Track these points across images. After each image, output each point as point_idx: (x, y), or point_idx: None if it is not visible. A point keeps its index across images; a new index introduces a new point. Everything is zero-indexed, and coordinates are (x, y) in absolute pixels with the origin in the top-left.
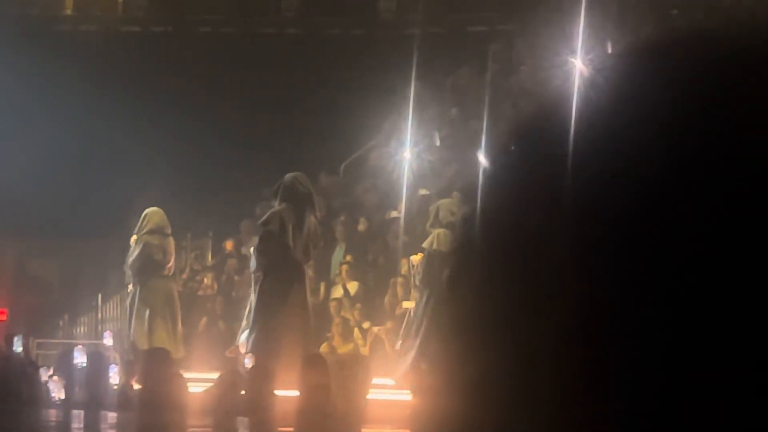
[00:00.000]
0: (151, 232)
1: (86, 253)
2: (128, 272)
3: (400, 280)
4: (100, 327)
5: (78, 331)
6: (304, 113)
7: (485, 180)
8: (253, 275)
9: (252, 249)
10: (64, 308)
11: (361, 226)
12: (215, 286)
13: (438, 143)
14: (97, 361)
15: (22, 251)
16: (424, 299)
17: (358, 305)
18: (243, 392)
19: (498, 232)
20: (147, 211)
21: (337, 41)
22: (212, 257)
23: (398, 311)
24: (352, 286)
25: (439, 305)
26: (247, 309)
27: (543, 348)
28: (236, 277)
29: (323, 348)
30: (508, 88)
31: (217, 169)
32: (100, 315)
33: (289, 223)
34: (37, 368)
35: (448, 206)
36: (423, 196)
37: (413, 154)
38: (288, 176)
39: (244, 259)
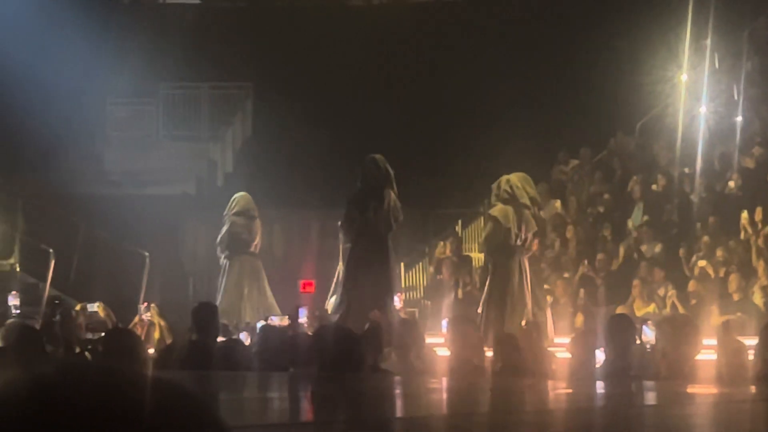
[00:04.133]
0: (237, 213)
1: None
2: (218, 249)
3: (705, 239)
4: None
5: None
6: (602, 73)
7: None
8: (341, 247)
9: (339, 224)
10: None
11: (658, 185)
12: None
13: (736, 98)
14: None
15: (325, 224)
16: None
17: (657, 267)
18: None
19: None
20: (235, 195)
21: None
22: None
23: (696, 271)
24: (651, 247)
25: None
26: (335, 277)
27: None
28: None
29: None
30: None
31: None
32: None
33: (370, 201)
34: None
35: None
36: (722, 153)
37: (710, 110)
38: (368, 157)
39: None
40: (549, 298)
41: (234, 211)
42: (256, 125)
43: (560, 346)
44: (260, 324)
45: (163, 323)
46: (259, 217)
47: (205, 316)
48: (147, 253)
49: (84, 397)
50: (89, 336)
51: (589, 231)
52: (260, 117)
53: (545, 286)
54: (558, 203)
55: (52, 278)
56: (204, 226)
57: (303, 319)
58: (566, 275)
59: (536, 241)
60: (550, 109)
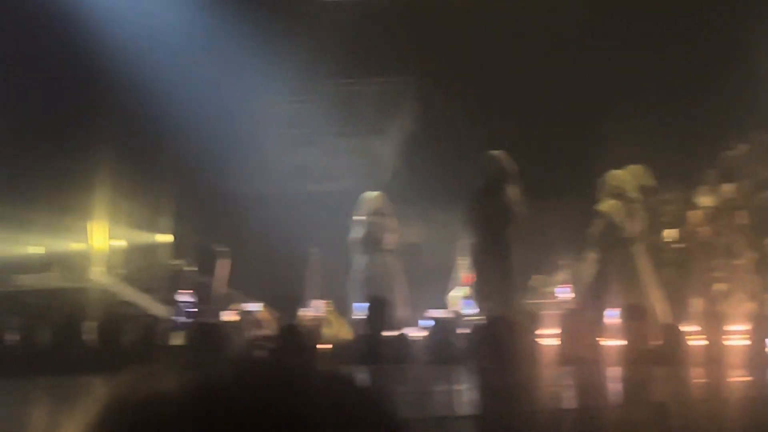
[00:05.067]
0: (370, 213)
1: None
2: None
3: None
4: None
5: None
6: None
7: None
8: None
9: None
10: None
11: None
12: None
13: None
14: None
15: None
16: None
17: None
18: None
19: None
20: (366, 194)
21: None
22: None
23: None
24: None
25: None
26: (454, 271)
27: None
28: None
29: None
30: None
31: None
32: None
33: (490, 196)
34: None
35: None
36: None
37: None
38: (488, 153)
39: None
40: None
41: (369, 211)
42: (420, 119)
43: (737, 334)
44: (425, 321)
45: (337, 319)
46: (396, 215)
47: (375, 312)
48: (314, 250)
49: (275, 395)
50: (259, 334)
51: (762, 215)
52: (425, 111)
53: (715, 274)
54: (728, 187)
55: (224, 277)
56: None
57: (468, 311)
58: (738, 261)
59: (649, 231)
60: (718, 91)
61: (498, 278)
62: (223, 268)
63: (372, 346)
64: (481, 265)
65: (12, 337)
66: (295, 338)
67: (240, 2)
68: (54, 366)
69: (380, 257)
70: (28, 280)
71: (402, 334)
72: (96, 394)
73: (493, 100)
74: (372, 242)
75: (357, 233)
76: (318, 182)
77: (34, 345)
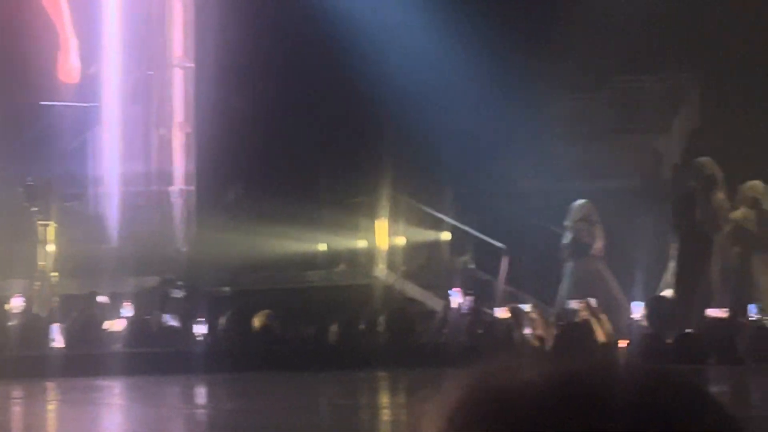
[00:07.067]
0: (580, 220)
1: None
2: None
3: None
4: None
5: None
6: None
7: None
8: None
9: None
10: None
11: None
12: None
13: None
14: None
15: None
16: None
17: None
18: None
19: None
20: (576, 203)
21: None
22: None
23: None
24: None
25: None
26: (667, 272)
27: None
28: None
29: None
30: None
31: None
32: None
33: (696, 202)
34: None
35: None
36: None
37: None
38: (695, 160)
39: None
40: None
41: (577, 218)
42: (703, 115)
43: None
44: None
45: (599, 319)
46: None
47: (660, 310)
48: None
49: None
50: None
51: None
52: (708, 107)
53: None
54: None
55: (504, 275)
56: (652, 218)
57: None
58: None
59: None
60: None
61: (701, 285)
62: (504, 265)
63: (654, 345)
64: (684, 273)
65: (306, 331)
66: (582, 337)
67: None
68: (342, 360)
69: (589, 263)
70: (315, 277)
71: (691, 333)
72: (466, 385)
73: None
74: (579, 248)
75: (566, 239)
76: (599, 179)
77: (325, 339)
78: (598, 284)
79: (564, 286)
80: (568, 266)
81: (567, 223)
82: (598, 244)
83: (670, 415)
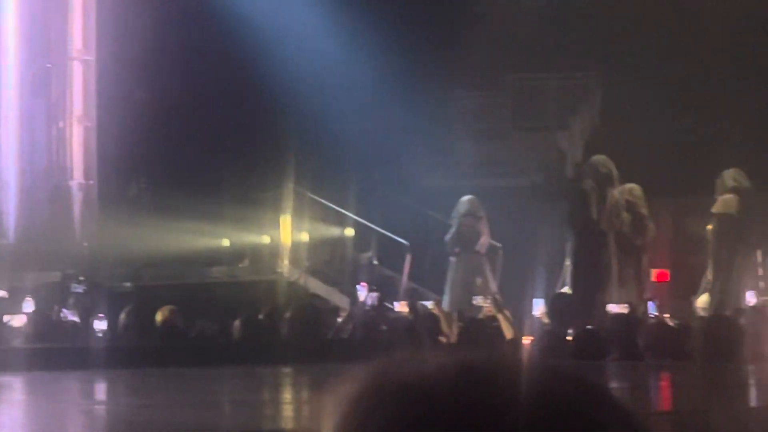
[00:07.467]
0: (464, 215)
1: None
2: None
3: None
4: None
5: None
6: None
7: None
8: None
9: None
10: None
11: None
12: None
13: None
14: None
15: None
16: None
17: None
18: None
19: None
20: (463, 198)
21: None
22: None
23: None
24: None
25: None
26: (565, 269)
27: None
28: None
29: None
30: None
31: None
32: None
33: (593, 198)
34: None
35: None
36: None
37: None
38: (591, 159)
39: None
40: None
41: (462, 213)
42: (604, 114)
43: None
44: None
45: (504, 316)
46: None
47: (560, 307)
48: (500, 245)
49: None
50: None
51: None
52: (609, 105)
53: None
54: None
55: (409, 271)
56: (553, 216)
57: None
58: None
59: None
60: None
61: (595, 282)
62: (407, 262)
63: (554, 340)
64: (579, 269)
65: (208, 327)
66: (481, 333)
67: None
68: (245, 355)
69: (469, 258)
70: (219, 272)
71: (591, 330)
72: (361, 378)
73: (678, 93)
74: (463, 243)
75: (450, 234)
76: (503, 177)
77: (228, 335)
78: (478, 279)
79: (447, 281)
80: (452, 261)
81: (452, 218)
82: (483, 240)
83: (563, 410)
